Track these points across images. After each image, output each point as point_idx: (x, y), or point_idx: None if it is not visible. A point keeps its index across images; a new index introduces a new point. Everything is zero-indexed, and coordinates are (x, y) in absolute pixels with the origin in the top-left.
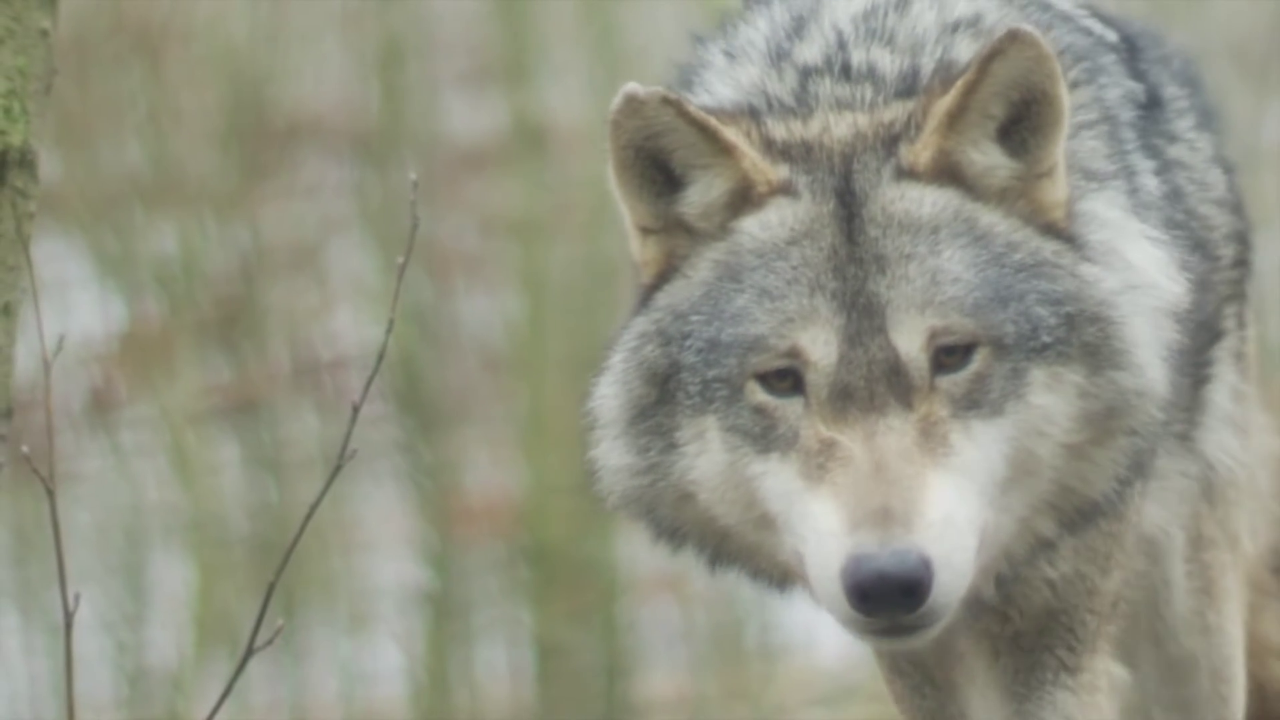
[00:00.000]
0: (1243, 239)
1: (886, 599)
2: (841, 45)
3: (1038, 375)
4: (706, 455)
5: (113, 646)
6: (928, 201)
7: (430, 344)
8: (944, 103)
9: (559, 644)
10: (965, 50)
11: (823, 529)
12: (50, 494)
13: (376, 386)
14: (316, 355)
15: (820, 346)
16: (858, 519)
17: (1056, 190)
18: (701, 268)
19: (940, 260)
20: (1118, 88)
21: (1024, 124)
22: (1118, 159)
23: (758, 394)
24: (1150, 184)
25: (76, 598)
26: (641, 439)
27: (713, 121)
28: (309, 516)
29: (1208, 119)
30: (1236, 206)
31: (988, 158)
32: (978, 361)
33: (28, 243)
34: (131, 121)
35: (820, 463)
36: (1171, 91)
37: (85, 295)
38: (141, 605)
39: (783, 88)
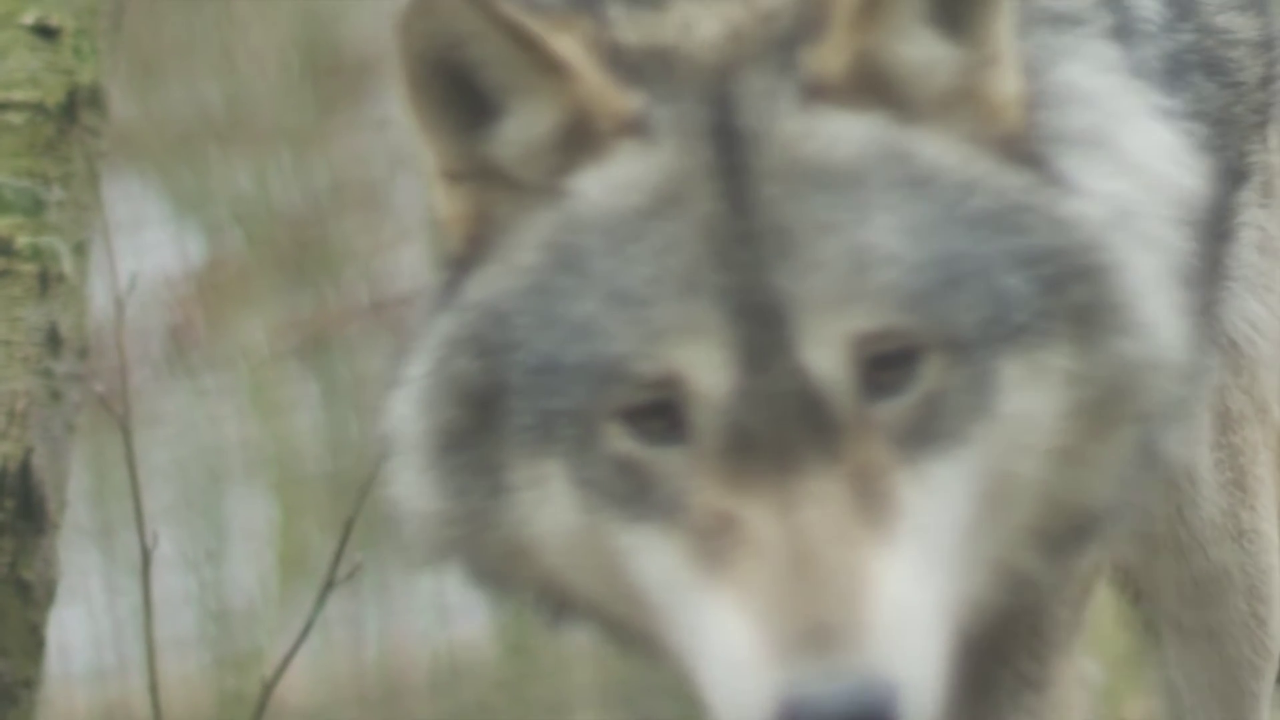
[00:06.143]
0: (1269, 45)
1: None
2: None
3: (1011, 372)
4: (549, 508)
5: (194, 584)
6: (847, 135)
7: None
8: None
9: None
10: None
11: (735, 656)
12: (125, 432)
13: None
14: (392, 290)
15: (707, 371)
16: (785, 641)
17: (1008, 81)
18: (527, 247)
19: (869, 230)
20: None
21: None
22: None
23: (622, 440)
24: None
25: (155, 536)
26: (456, 477)
27: (534, 27)
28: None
29: None
30: (1261, 4)
31: (922, 49)
32: (926, 374)
33: (99, 181)
34: (204, 58)
35: (718, 547)
36: None
37: (161, 234)
38: (222, 543)
39: None
